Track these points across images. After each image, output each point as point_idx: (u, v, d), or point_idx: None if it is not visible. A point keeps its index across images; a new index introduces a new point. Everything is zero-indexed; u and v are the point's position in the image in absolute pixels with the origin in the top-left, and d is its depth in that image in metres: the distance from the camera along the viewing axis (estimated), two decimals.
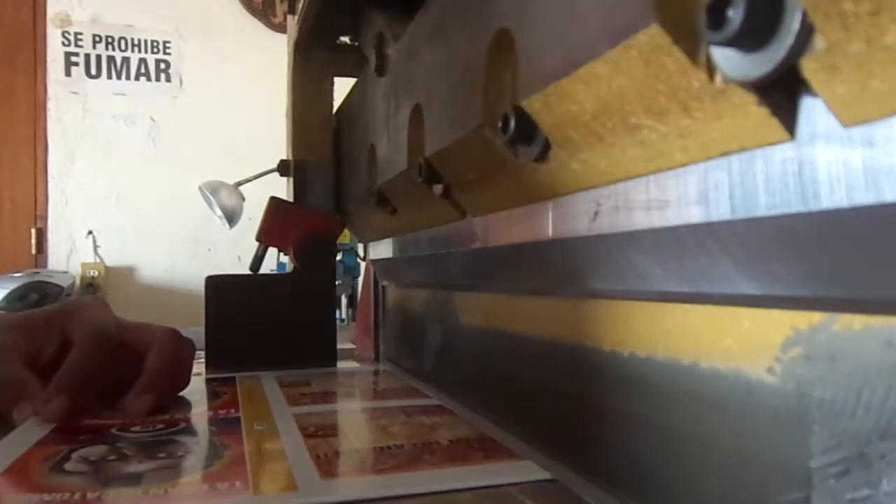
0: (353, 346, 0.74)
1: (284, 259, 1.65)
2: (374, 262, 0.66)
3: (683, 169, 0.20)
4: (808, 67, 0.14)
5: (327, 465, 0.29)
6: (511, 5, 0.27)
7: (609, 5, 0.19)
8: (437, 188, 0.38)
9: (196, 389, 0.47)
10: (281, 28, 2.32)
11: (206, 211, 1.62)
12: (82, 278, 2.12)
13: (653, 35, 0.17)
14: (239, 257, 2.10)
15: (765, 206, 0.17)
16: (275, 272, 1.50)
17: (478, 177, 0.34)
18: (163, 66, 2.34)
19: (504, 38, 0.27)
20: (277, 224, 0.61)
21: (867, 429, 0.17)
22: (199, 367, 0.57)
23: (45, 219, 2.20)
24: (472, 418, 0.38)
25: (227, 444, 0.33)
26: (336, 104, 0.68)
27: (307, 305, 0.61)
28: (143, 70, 2.32)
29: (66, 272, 2.01)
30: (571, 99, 0.22)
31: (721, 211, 0.19)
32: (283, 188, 0.72)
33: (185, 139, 2.29)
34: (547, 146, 0.26)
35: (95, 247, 2.21)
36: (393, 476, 0.28)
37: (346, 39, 0.68)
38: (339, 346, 0.63)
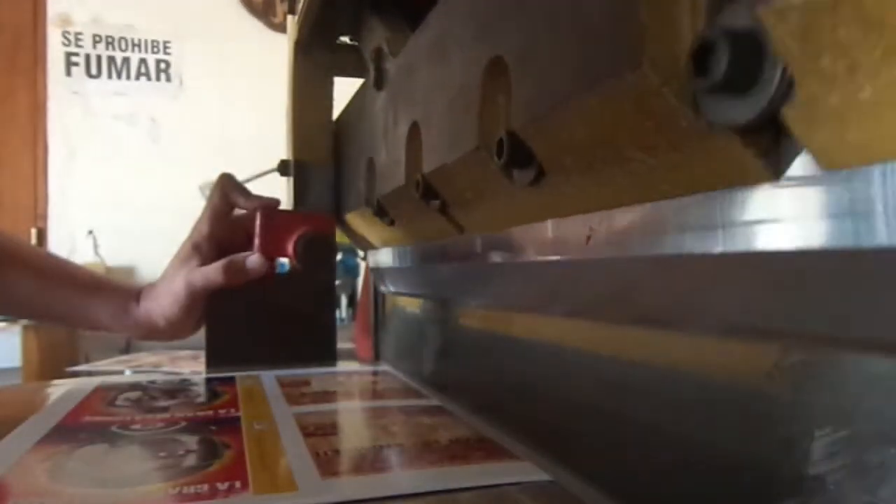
0: (353, 346, 0.74)
1: (284, 259, 1.65)
2: (372, 270, 0.66)
3: (677, 200, 0.20)
4: (789, 116, 0.15)
5: (327, 465, 0.29)
6: (505, 34, 0.27)
7: (600, 44, 0.20)
8: (435, 204, 0.38)
9: (196, 389, 0.47)
10: (281, 28, 2.32)
11: None
12: None
13: (641, 77, 0.18)
14: None
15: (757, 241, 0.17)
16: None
17: (474, 196, 0.34)
18: (163, 66, 2.34)
19: (498, 63, 0.27)
20: (272, 234, 0.61)
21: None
22: (199, 366, 0.56)
23: (45, 218, 2.20)
24: (471, 419, 0.38)
25: (228, 443, 0.33)
26: (336, 103, 0.69)
27: (307, 305, 0.61)
28: (143, 70, 2.32)
29: None
30: (564, 128, 0.23)
31: (713, 243, 0.19)
32: (282, 188, 0.72)
33: (186, 139, 2.29)
34: (541, 171, 0.26)
35: (95, 246, 2.21)
36: (393, 475, 0.28)
37: (346, 39, 0.68)
38: (339, 345, 0.63)
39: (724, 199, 0.18)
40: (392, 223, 0.50)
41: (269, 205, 0.60)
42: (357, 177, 0.57)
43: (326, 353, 0.61)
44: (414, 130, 0.40)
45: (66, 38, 2.24)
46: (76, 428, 0.36)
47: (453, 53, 0.33)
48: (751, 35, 0.15)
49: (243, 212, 0.61)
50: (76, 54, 2.25)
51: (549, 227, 0.28)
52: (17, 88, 2.20)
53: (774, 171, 0.16)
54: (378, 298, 0.68)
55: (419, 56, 0.40)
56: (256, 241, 0.59)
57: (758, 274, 0.18)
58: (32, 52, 2.22)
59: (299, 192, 0.68)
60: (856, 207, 0.14)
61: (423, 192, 0.38)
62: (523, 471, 0.28)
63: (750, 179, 0.16)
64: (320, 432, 0.34)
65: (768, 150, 0.16)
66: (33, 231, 2.16)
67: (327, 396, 0.44)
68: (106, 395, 0.45)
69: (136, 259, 2.23)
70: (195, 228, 0.60)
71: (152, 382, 0.51)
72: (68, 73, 2.24)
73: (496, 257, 0.34)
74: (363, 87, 0.57)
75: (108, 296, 0.60)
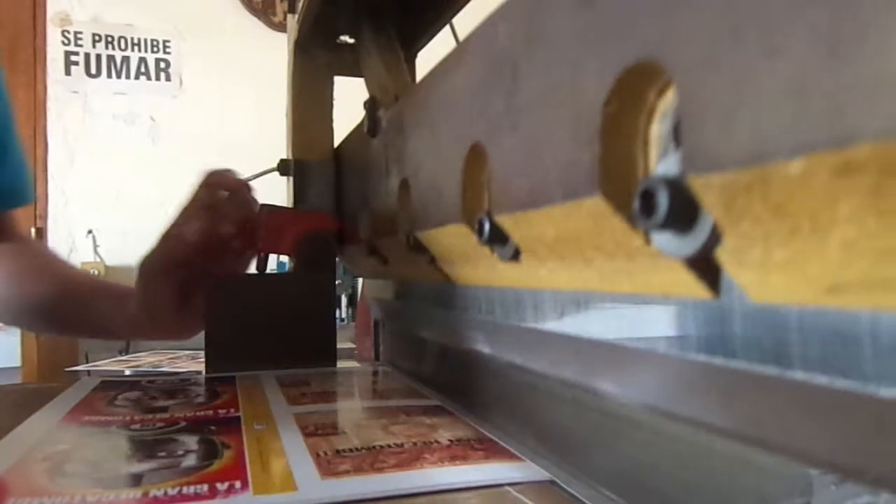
0: (353, 346, 0.73)
1: (284, 259, 1.65)
2: (367, 297, 0.67)
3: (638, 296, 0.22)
4: (721, 256, 0.17)
5: (327, 464, 0.29)
6: (485, 125, 0.28)
7: (565, 163, 0.22)
8: (424, 256, 0.39)
9: (196, 389, 0.47)
10: (281, 27, 2.32)
11: None
12: None
13: (597, 203, 0.20)
14: None
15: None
16: (275, 272, 1.50)
17: (460, 257, 0.35)
18: (163, 65, 2.34)
19: (479, 148, 0.29)
20: (273, 230, 0.61)
21: None
22: (198, 366, 0.56)
23: (44, 218, 2.20)
24: (471, 419, 0.38)
25: (227, 443, 0.33)
26: (336, 103, 0.69)
27: (307, 305, 0.61)
28: (142, 69, 2.32)
29: None
30: (535, 226, 0.25)
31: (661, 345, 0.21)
32: (282, 187, 0.72)
33: (185, 138, 2.28)
34: (519, 250, 0.28)
35: (95, 246, 2.21)
36: (393, 475, 0.28)
37: (346, 39, 0.68)
38: (339, 345, 0.63)
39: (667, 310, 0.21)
40: (385, 262, 0.51)
41: (267, 205, 0.61)
42: (354, 212, 0.58)
43: (326, 353, 0.61)
44: (404, 186, 0.41)
45: (65, 37, 2.23)
46: (76, 427, 0.36)
47: (440, 126, 0.34)
48: (687, 186, 0.17)
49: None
50: (76, 53, 2.24)
51: (525, 297, 0.30)
52: (17, 87, 2.19)
53: (715, 291, 0.18)
54: None
55: (410, 118, 0.41)
56: (257, 236, 0.59)
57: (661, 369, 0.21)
58: (32, 51, 2.22)
59: (299, 192, 0.68)
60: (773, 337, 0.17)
61: (413, 246, 0.39)
62: (523, 471, 0.28)
63: (694, 295, 0.19)
64: (320, 432, 0.34)
65: (709, 275, 0.18)
66: (33, 231, 2.16)
67: (327, 396, 0.44)
68: (106, 395, 0.45)
69: (136, 258, 2.23)
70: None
71: (152, 382, 0.51)
72: (68, 73, 2.23)
73: (481, 310, 0.36)
74: (360, 125, 0.58)
75: (107, 295, 0.60)
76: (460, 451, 0.31)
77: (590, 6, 0.21)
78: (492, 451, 0.31)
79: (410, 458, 0.30)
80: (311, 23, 0.63)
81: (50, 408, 0.40)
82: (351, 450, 0.31)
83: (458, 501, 0.26)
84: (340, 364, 0.60)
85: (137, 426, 0.36)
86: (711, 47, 0.16)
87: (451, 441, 0.33)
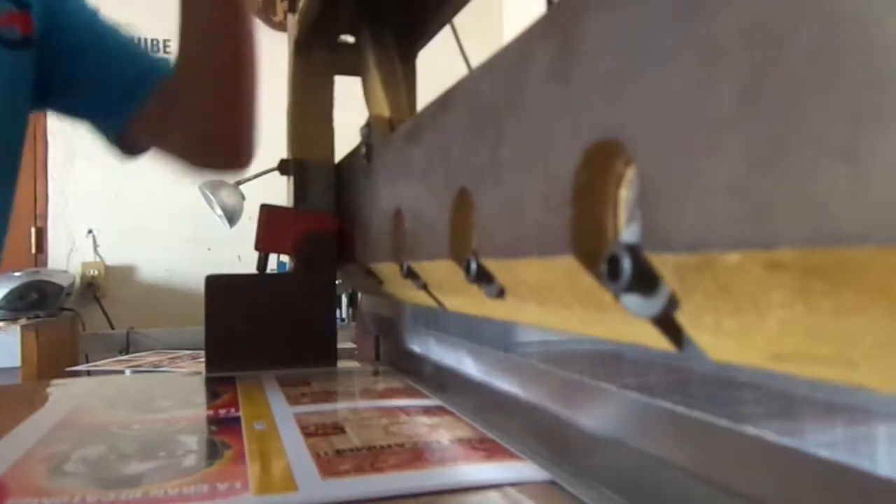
0: (354, 346, 0.73)
1: (285, 258, 1.65)
2: (362, 312, 0.67)
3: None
4: (680, 319, 0.18)
5: (327, 465, 0.29)
6: (472, 173, 0.30)
7: (541, 221, 0.23)
8: (418, 282, 0.40)
9: (196, 389, 0.47)
10: (281, 27, 2.31)
11: (206, 210, 1.62)
12: (82, 277, 2.12)
13: (569, 262, 0.21)
14: (239, 257, 2.09)
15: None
16: (275, 272, 1.50)
17: (451, 288, 0.36)
18: None
19: (466, 193, 0.30)
20: (272, 230, 0.61)
21: None
22: (199, 366, 0.56)
23: (44, 218, 2.20)
24: (472, 419, 0.38)
25: (228, 443, 0.33)
26: (336, 102, 0.68)
27: (307, 305, 0.61)
28: None
29: (66, 271, 2.00)
30: (517, 272, 0.26)
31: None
32: (283, 187, 0.72)
33: None
34: (504, 290, 0.29)
35: (95, 246, 2.21)
36: (393, 475, 0.28)
37: (346, 38, 0.68)
38: (340, 345, 0.63)
39: None
40: (381, 283, 0.51)
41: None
42: (351, 230, 0.59)
43: (327, 353, 0.61)
44: (398, 215, 0.42)
45: None
46: (76, 428, 0.36)
47: (432, 166, 0.35)
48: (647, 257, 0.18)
49: None
50: None
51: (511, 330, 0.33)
52: None
53: (678, 346, 0.19)
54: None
55: (404, 151, 0.42)
56: (257, 235, 0.59)
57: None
58: None
59: (299, 192, 0.67)
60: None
61: (407, 273, 0.40)
62: (524, 471, 0.28)
63: (660, 346, 0.20)
64: (320, 432, 0.34)
65: (672, 332, 0.19)
66: (33, 230, 2.16)
67: (327, 396, 0.44)
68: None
69: (136, 259, 2.23)
70: None
71: (152, 382, 0.51)
72: None
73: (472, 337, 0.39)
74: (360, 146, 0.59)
75: None
76: (461, 452, 0.31)
77: (563, 81, 0.22)
78: (492, 451, 0.31)
79: (411, 458, 0.30)
80: (311, 22, 0.63)
81: (50, 407, 0.40)
82: (351, 450, 0.31)
83: (459, 502, 0.26)
84: (340, 364, 0.60)
85: (138, 426, 0.36)
86: (667, 137, 0.17)
87: (451, 441, 0.33)
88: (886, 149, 0.11)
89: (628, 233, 0.20)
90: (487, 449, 0.31)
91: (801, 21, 0.13)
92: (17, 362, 1.77)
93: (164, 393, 0.47)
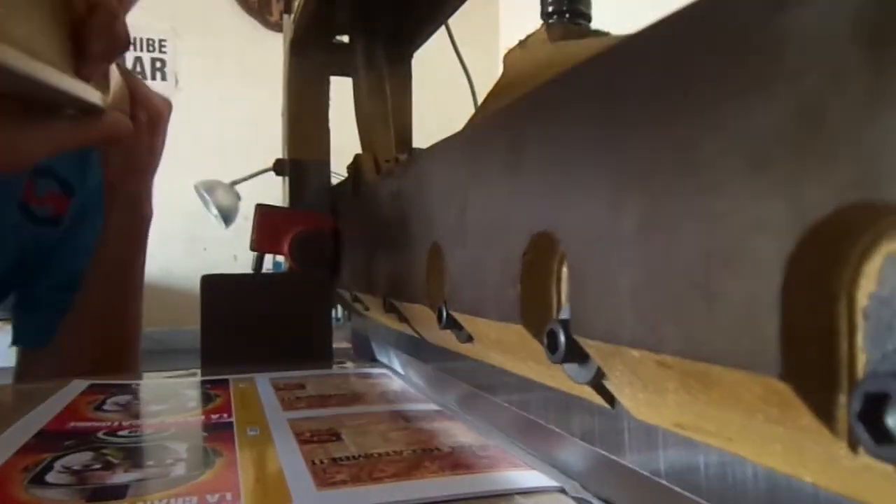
0: (350, 346, 0.72)
1: (281, 258, 1.64)
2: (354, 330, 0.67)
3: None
4: (608, 386, 0.22)
5: (323, 473, 0.28)
6: (443, 231, 0.32)
7: (498, 290, 0.26)
8: (400, 316, 0.42)
9: (189, 392, 0.46)
10: (277, 27, 2.30)
11: (201, 210, 1.61)
12: None
13: (519, 329, 0.24)
14: (235, 256, 2.08)
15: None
16: (271, 271, 1.48)
17: (428, 328, 0.39)
18: (158, 64, 2.33)
19: (438, 247, 0.33)
20: (268, 230, 0.61)
21: None
22: (195, 367, 0.55)
23: None
24: (474, 424, 0.37)
25: (219, 450, 0.31)
26: (332, 102, 0.68)
27: (303, 305, 0.60)
28: (138, 69, 2.30)
29: None
30: (479, 327, 0.29)
31: None
32: (279, 187, 0.71)
33: (181, 138, 2.26)
34: (472, 337, 0.32)
35: None
36: (391, 485, 0.26)
37: (342, 39, 0.67)
38: (335, 345, 0.62)
39: None
40: (367, 309, 0.52)
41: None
42: (342, 256, 0.61)
43: (322, 354, 0.60)
44: (381, 252, 0.44)
45: None
46: (60, 434, 0.34)
47: (410, 216, 0.38)
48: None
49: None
50: None
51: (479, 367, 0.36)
52: None
53: (611, 405, 0.23)
54: None
55: (385, 197, 0.44)
56: (253, 238, 0.59)
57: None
58: None
59: (295, 192, 0.67)
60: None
61: (388, 308, 0.42)
62: (530, 479, 0.27)
63: (598, 400, 0.23)
64: (316, 439, 0.33)
65: (605, 394, 0.23)
66: None
67: (323, 401, 0.43)
68: (94, 399, 0.43)
69: None
70: None
71: (143, 385, 0.49)
72: None
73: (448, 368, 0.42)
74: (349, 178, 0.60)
75: None
76: (463, 459, 0.30)
77: (514, 173, 0.25)
78: (496, 458, 0.30)
79: (410, 466, 0.29)
80: (307, 22, 0.62)
81: (34, 414, 0.39)
82: (348, 458, 0.30)
83: None
84: (336, 365, 0.59)
85: (126, 432, 0.35)
86: (589, 244, 0.20)
87: (452, 448, 0.31)
88: (734, 291, 0.14)
89: (566, 309, 0.22)
90: (491, 457, 0.30)
91: (678, 179, 0.16)
92: (14, 362, 1.75)
93: (156, 396, 0.46)
